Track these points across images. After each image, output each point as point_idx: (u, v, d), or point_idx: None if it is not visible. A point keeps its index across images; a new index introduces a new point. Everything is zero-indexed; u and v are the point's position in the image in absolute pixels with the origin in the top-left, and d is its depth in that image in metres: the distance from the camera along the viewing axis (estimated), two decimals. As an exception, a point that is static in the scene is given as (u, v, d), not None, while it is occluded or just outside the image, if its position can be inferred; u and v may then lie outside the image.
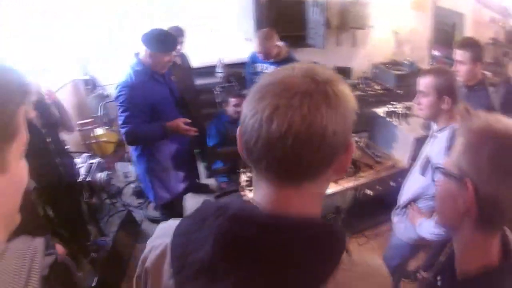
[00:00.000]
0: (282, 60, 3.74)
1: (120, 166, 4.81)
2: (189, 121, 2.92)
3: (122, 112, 2.76)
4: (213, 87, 4.95)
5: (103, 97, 5.01)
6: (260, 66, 3.87)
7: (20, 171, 0.62)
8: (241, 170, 2.97)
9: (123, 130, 2.79)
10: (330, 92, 0.68)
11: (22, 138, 0.60)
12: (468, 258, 1.01)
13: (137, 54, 2.83)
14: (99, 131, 4.71)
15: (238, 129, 0.73)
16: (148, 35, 2.71)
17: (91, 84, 5.07)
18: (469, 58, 2.81)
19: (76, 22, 4.62)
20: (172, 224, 0.83)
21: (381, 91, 5.73)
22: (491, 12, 6.96)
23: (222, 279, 0.67)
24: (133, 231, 3.87)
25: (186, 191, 3.35)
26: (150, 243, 0.87)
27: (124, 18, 4.87)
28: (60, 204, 2.76)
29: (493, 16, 6.97)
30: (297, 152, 0.65)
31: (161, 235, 0.85)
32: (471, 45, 2.87)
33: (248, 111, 0.69)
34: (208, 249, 0.69)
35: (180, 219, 0.82)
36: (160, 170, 3.04)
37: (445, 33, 6.94)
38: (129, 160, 4.96)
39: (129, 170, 4.75)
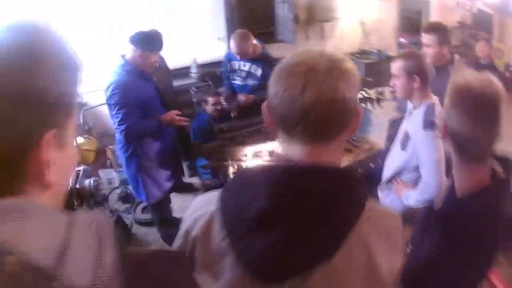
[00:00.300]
0: (258, 57, 3.84)
1: (103, 173, 4.81)
2: (180, 112, 3.05)
3: (117, 110, 2.82)
4: (188, 87, 5.02)
5: (81, 105, 4.99)
6: (237, 64, 3.95)
7: (73, 151, 0.66)
8: (229, 162, 3.05)
9: (121, 128, 2.84)
10: (343, 68, 0.86)
11: (75, 117, 0.65)
12: (463, 183, 1.35)
13: (123, 56, 2.90)
14: (79, 139, 4.69)
15: (264, 104, 0.92)
16: (137, 36, 2.80)
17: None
18: (435, 41, 2.98)
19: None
20: (209, 196, 0.98)
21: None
22: (457, -3, 7.25)
23: (273, 229, 0.82)
24: (125, 235, 3.89)
25: (172, 189, 3.42)
26: (191, 216, 0.98)
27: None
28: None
29: (459, 0, 7.27)
30: (326, 116, 0.84)
31: (201, 206, 0.98)
32: (437, 29, 3.06)
33: (280, 87, 0.85)
34: (261, 204, 0.83)
35: (218, 190, 0.95)
36: (152, 168, 3.10)
37: (411, 20, 7.20)
38: (111, 167, 4.96)
39: (112, 176, 4.75)
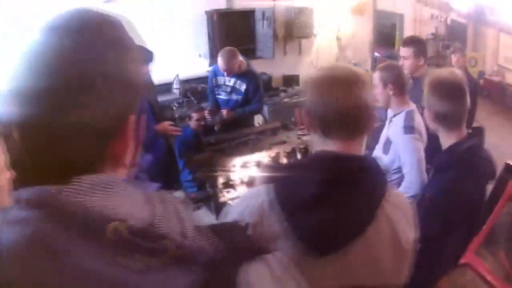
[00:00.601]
0: (242, 73, 3.95)
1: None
2: (173, 122, 3.12)
3: None
4: (170, 103, 5.07)
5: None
6: (222, 79, 4.05)
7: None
8: (218, 172, 3.10)
9: None
10: (367, 81, 1.13)
11: None
12: (449, 143, 1.81)
13: None
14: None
15: (303, 111, 1.14)
16: None
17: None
18: (412, 53, 3.18)
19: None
20: (255, 190, 1.18)
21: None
22: (431, 9, 7.59)
23: (326, 208, 1.02)
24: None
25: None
26: (238, 209, 1.11)
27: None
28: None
29: (433, 13, 7.60)
30: (358, 119, 1.09)
31: (248, 199, 1.13)
32: (414, 42, 3.28)
33: (320, 96, 1.10)
34: (316, 187, 1.03)
35: (262, 185, 1.12)
36: (144, 179, 3.12)
37: (385, 35, 7.49)
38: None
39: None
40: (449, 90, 1.77)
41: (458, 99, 1.77)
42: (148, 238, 0.53)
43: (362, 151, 1.19)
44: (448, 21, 8.02)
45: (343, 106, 1.06)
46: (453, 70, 1.83)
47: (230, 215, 1.13)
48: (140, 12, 4.97)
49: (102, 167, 0.60)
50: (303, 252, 1.00)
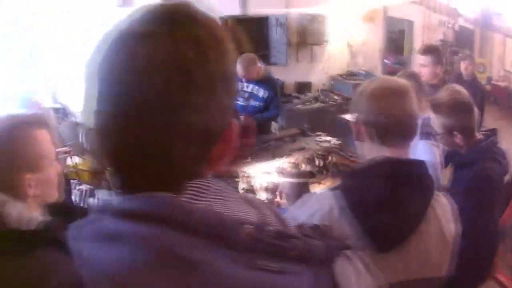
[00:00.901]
0: (261, 79, 3.96)
1: (101, 194, 4.77)
2: None
3: None
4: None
5: (76, 124, 4.97)
6: (240, 85, 4.06)
7: None
8: (240, 178, 3.12)
9: None
10: (412, 89, 1.24)
11: None
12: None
13: None
14: (76, 159, 4.66)
15: (359, 120, 1.22)
16: None
17: (61, 112, 5.01)
18: (430, 61, 3.24)
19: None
20: (320, 195, 1.26)
21: (341, 101, 6.12)
22: (439, 16, 7.62)
23: (393, 205, 1.12)
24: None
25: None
26: (304, 213, 1.15)
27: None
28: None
29: (441, 19, 7.63)
30: (412, 125, 1.21)
31: (315, 203, 1.20)
32: (431, 50, 3.33)
33: (378, 106, 1.18)
34: (383, 190, 1.12)
35: (327, 189, 1.24)
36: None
37: (393, 41, 7.52)
38: (109, 188, 4.92)
39: (110, 198, 4.72)
40: (453, 109, 1.89)
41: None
42: (281, 239, 0.53)
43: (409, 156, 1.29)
44: (456, 27, 8.07)
45: (399, 115, 1.16)
46: (453, 89, 2.00)
47: (296, 219, 1.15)
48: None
49: (205, 171, 0.58)
50: (371, 250, 1.07)
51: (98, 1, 4.88)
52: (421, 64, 3.31)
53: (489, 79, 7.94)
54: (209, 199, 0.54)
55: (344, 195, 1.15)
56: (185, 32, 0.52)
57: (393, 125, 1.17)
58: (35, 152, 1.12)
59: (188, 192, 0.53)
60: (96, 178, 4.98)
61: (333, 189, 1.23)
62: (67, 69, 4.82)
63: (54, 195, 1.22)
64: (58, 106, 4.97)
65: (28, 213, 1.05)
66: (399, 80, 1.28)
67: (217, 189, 0.56)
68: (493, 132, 2.07)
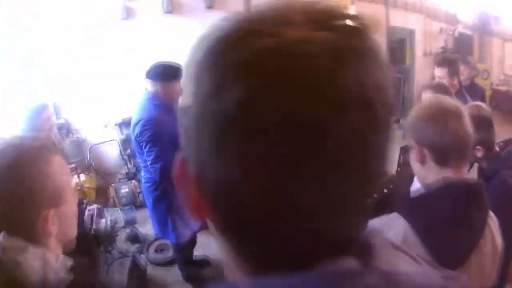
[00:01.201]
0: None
1: (107, 213, 4.59)
2: None
3: (150, 148, 2.70)
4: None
5: (81, 141, 4.82)
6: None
7: None
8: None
9: (156, 166, 2.72)
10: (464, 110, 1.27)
11: None
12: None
13: (150, 91, 2.79)
14: (82, 177, 4.50)
15: (420, 144, 1.22)
16: (157, 68, 2.72)
17: (65, 129, 4.86)
18: (446, 73, 3.27)
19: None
20: (385, 220, 1.24)
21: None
22: (439, 23, 7.63)
23: (459, 225, 1.15)
24: (142, 279, 3.68)
25: (200, 229, 3.28)
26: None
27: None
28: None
29: (441, 27, 7.63)
30: (469, 145, 1.22)
31: (384, 225, 1.20)
32: (448, 62, 3.36)
33: (436, 128, 1.18)
34: (451, 214, 1.15)
35: (394, 214, 1.23)
36: (183, 207, 2.96)
37: (394, 50, 7.49)
38: (114, 206, 4.76)
39: (117, 216, 4.55)
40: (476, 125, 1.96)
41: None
42: None
43: None
44: (456, 34, 8.07)
45: (459, 136, 1.17)
46: (475, 105, 2.11)
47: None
48: (161, 28, 4.91)
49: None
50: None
51: (98, 1, 4.77)
52: (438, 76, 3.34)
53: (491, 85, 7.93)
54: (393, 262, 0.44)
55: (410, 220, 1.18)
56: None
57: (454, 146, 1.19)
58: (55, 183, 0.91)
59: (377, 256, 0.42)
60: (101, 195, 4.84)
61: (400, 213, 1.24)
62: (67, 69, 4.70)
63: (75, 230, 1.02)
64: (62, 121, 4.81)
65: (52, 257, 0.88)
66: (451, 101, 1.26)
67: (388, 245, 0.47)
68: (508, 142, 2.16)
